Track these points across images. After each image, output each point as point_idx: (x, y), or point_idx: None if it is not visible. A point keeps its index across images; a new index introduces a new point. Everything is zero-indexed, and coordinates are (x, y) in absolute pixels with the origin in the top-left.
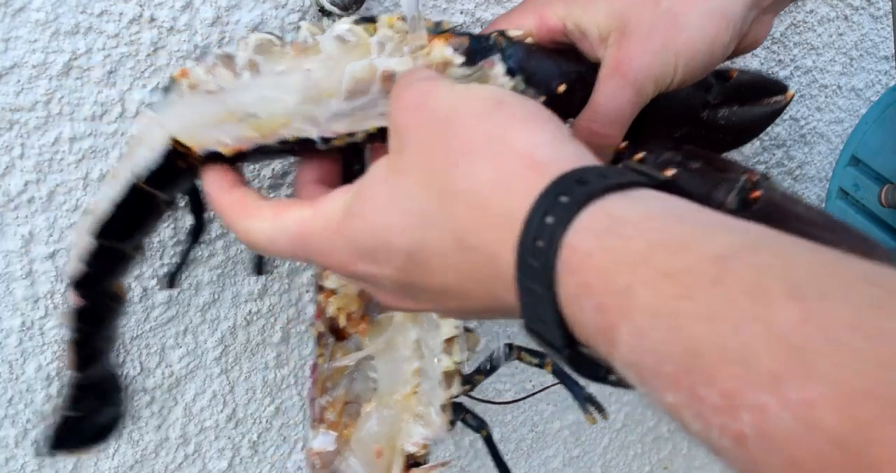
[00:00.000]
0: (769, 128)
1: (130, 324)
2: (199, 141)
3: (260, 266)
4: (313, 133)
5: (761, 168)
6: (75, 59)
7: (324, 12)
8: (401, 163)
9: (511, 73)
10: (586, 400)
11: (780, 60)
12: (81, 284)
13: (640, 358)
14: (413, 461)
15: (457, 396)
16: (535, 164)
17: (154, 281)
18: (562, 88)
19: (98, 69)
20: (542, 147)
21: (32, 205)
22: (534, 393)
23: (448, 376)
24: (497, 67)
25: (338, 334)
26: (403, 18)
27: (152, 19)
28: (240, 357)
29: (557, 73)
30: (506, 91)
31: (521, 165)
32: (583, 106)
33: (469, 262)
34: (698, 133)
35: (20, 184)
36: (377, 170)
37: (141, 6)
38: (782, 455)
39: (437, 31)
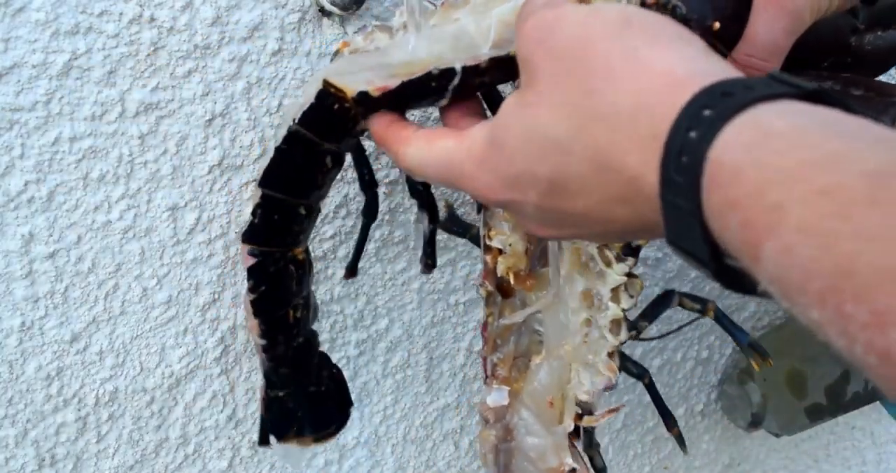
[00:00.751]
0: None
1: (130, 324)
2: (349, 82)
3: (353, 270)
4: (457, 64)
5: None
6: (75, 59)
7: (323, 12)
8: (533, 96)
9: (664, 7)
10: (749, 346)
11: None
12: (250, 238)
13: (785, 273)
14: (584, 409)
15: (624, 342)
16: (675, 81)
17: (154, 281)
18: (717, 26)
19: (98, 69)
20: (681, 63)
21: (32, 205)
22: (682, 327)
23: (615, 324)
24: None
25: (505, 292)
26: None
27: (152, 19)
28: (240, 357)
29: (711, 8)
30: (632, 7)
31: (661, 83)
32: (737, 40)
33: (611, 184)
34: (844, 60)
35: (20, 184)
36: (510, 104)
37: (141, 6)
38: None
39: None
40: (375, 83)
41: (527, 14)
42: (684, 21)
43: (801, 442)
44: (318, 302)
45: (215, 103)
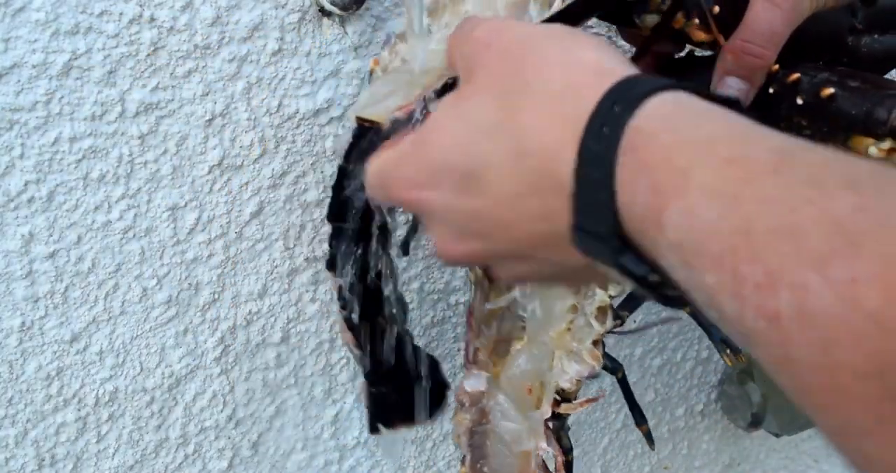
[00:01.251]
0: None
1: (130, 324)
2: (381, 111)
3: (406, 247)
4: None
5: None
6: (75, 59)
7: (323, 12)
8: (467, 90)
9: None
10: (722, 342)
11: None
12: (333, 266)
13: (686, 236)
14: (563, 397)
15: (609, 331)
16: (604, 70)
17: (154, 281)
18: (716, 9)
19: (98, 69)
20: (611, 59)
21: (32, 205)
22: (657, 324)
23: (602, 311)
24: None
25: (491, 277)
26: None
27: (152, 19)
28: (240, 357)
29: None
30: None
31: (591, 70)
32: (733, 28)
33: (525, 171)
34: (840, 60)
35: (20, 184)
36: (444, 102)
37: (141, 6)
38: (816, 333)
39: None
40: (401, 104)
41: (474, 24)
42: (683, 4)
43: (801, 442)
44: (367, 296)
45: (215, 103)
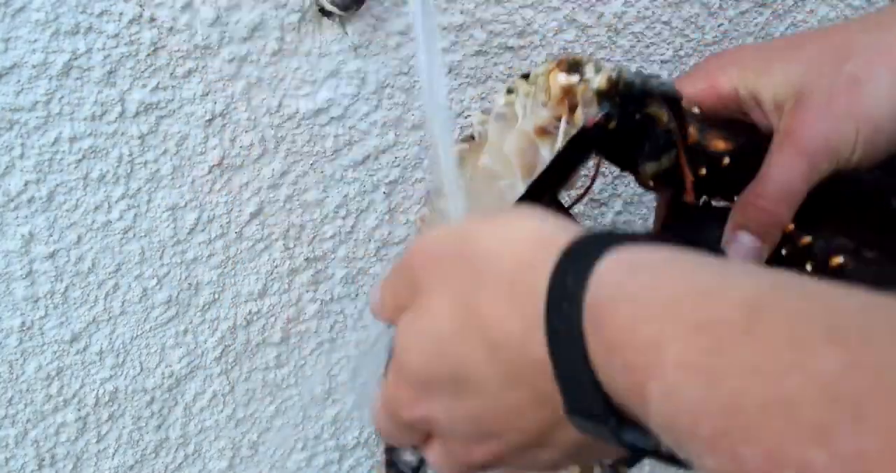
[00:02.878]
0: None
1: (130, 324)
2: None
3: None
4: None
5: None
6: (75, 59)
7: (324, 12)
8: (419, 306)
9: (674, 146)
10: None
11: None
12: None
13: (673, 419)
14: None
15: None
16: (546, 241)
17: (154, 281)
18: (726, 161)
19: (98, 69)
20: (551, 226)
21: (32, 205)
22: None
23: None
24: (587, 68)
25: None
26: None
27: (152, 19)
28: (240, 357)
29: (727, 151)
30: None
31: (534, 244)
32: (746, 182)
33: (503, 362)
34: (884, 223)
35: (20, 184)
36: (403, 323)
37: (141, 6)
38: None
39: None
40: None
41: (406, 252)
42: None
43: None
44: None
45: (215, 103)
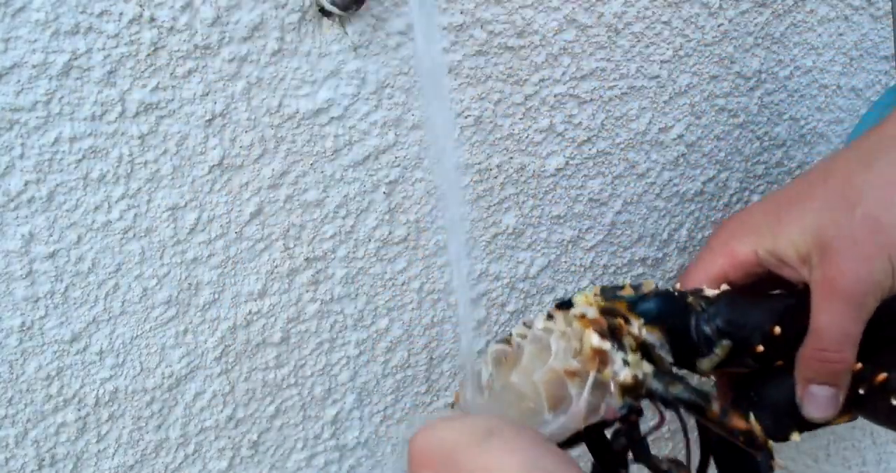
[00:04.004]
0: (769, 128)
1: (130, 324)
2: None
3: None
4: None
5: (761, 168)
6: (75, 59)
7: (324, 12)
8: None
9: (721, 333)
10: None
11: (780, 60)
12: None
13: None
14: None
15: None
16: None
17: (154, 281)
18: (777, 330)
19: (98, 69)
20: (537, 464)
21: (32, 205)
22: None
23: None
24: (616, 359)
25: None
26: (602, 290)
27: (152, 19)
28: (240, 357)
29: (769, 317)
30: (495, 419)
31: None
32: (802, 336)
33: None
34: None
35: (20, 184)
36: None
37: (141, 6)
38: None
39: (611, 296)
40: None
41: (411, 443)
42: (698, 346)
43: (801, 442)
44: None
45: (215, 103)
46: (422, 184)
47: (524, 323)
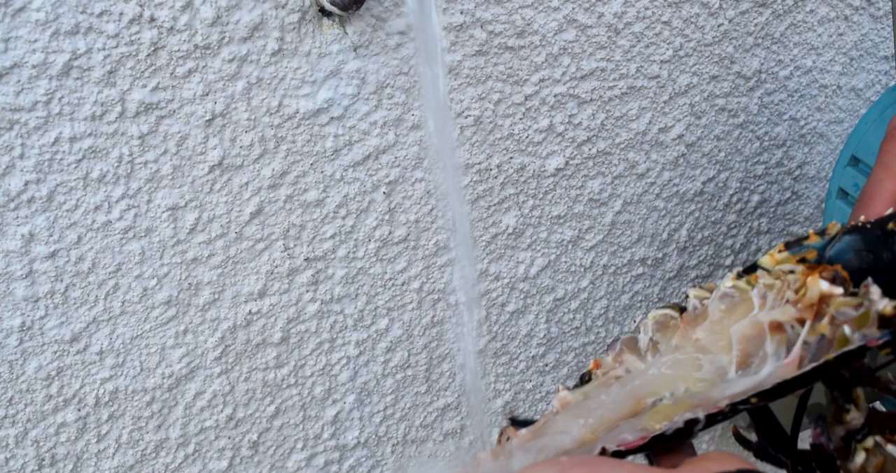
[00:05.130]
0: (769, 128)
1: (130, 324)
2: (603, 443)
3: None
4: (700, 413)
5: (761, 168)
6: (75, 59)
7: (324, 12)
8: None
9: None
10: None
11: (780, 60)
12: None
13: None
14: None
15: None
16: None
17: (154, 281)
18: None
19: (98, 69)
20: None
21: (32, 205)
22: None
23: None
24: (873, 290)
25: None
26: (786, 246)
27: (152, 19)
28: (240, 357)
29: None
30: (564, 458)
31: None
32: None
33: None
34: None
35: (20, 184)
36: None
37: (141, 6)
38: None
39: (798, 250)
40: (628, 440)
41: None
42: None
43: (802, 442)
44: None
45: (215, 103)
46: (422, 184)
47: (701, 287)
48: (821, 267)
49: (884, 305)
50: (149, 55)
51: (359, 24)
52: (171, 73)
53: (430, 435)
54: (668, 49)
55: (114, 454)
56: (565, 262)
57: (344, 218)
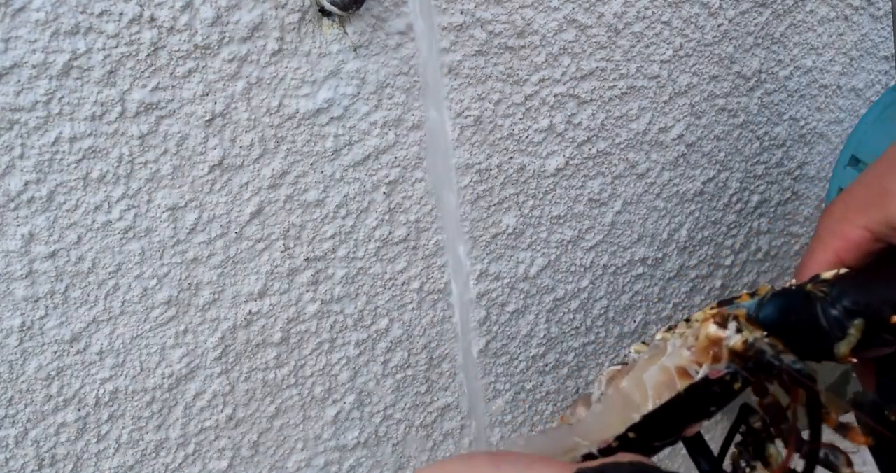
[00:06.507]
0: (769, 128)
1: (130, 324)
2: None
3: None
4: (594, 448)
5: (761, 168)
6: (75, 59)
7: (324, 12)
8: None
9: (850, 313)
10: None
11: (780, 60)
12: None
13: None
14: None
15: None
16: None
17: (154, 281)
18: (895, 318)
19: (98, 69)
20: None
21: (32, 205)
22: None
23: None
24: (730, 326)
25: None
26: (719, 304)
27: (152, 19)
28: (240, 357)
29: (882, 301)
30: (501, 453)
31: None
32: None
33: None
34: None
35: (20, 184)
36: None
37: (141, 6)
38: None
39: (730, 308)
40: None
41: None
42: (852, 315)
43: None
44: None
45: (215, 103)
46: (422, 184)
47: (643, 342)
48: (715, 314)
49: (734, 341)
50: (149, 55)
51: (359, 24)
52: (171, 73)
53: (430, 435)
54: (668, 49)
55: (114, 454)
56: (565, 262)
57: (344, 218)
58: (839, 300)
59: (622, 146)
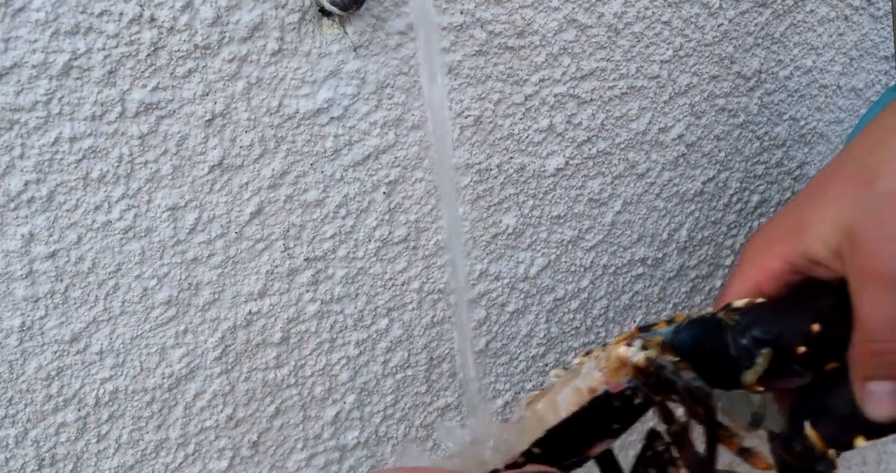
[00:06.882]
0: (769, 128)
1: (130, 324)
2: None
3: None
4: (501, 464)
5: (761, 168)
6: (75, 59)
7: (324, 12)
8: None
9: (759, 342)
10: None
11: (780, 60)
12: None
13: None
14: None
15: None
16: None
17: (154, 281)
18: (816, 328)
19: (98, 69)
20: None
21: (32, 205)
22: None
23: None
24: (634, 343)
25: None
26: (639, 329)
27: (152, 19)
28: (240, 357)
29: (805, 317)
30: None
31: None
32: (849, 335)
33: None
34: None
35: (20, 184)
36: None
37: (141, 6)
38: None
39: (647, 334)
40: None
41: None
42: (761, 344)
43: None
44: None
45: (215, 103)
46: (422, 184)
47: (562, 367)
48: (627, 336)
49: (637, 358)
50: (149, 55)
51: (359, 24)
52: (171, 73)
53: (430, 435)
54: (668, 49)
55: (114, 454)
56: (565, 262)
57: (344, 218)
58: (749, 329)
59: (622, 146)
